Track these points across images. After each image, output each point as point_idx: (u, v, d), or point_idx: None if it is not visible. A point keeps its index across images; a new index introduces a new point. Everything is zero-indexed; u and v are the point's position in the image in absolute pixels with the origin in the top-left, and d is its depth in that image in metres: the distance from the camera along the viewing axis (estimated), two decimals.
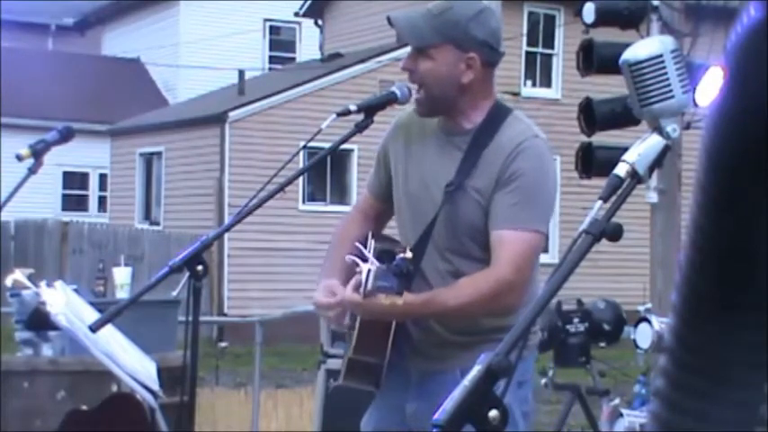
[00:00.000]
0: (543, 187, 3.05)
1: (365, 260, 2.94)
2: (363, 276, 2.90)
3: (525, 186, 2.99)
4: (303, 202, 17.26)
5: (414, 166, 3.18)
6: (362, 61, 17.70)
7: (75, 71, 24.66)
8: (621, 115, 6.16)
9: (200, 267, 3.01)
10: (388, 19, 3.11)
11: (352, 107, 3.13)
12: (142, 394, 3.86)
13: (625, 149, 2.27)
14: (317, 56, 21.46)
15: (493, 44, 3.08)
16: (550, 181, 3.09)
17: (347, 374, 3.13)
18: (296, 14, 22.81)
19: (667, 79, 2.51)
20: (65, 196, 24.94)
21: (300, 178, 4.53)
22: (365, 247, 3.09)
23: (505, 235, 2.98)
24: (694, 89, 2.53)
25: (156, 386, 3.86)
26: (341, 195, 17.72)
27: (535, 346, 3.24)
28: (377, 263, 2.92)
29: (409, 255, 2.93)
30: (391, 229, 3.33)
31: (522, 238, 2.97)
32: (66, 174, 24.39)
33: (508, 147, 3.02)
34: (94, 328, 3.12)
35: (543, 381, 5.81)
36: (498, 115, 3.10)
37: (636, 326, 4.93)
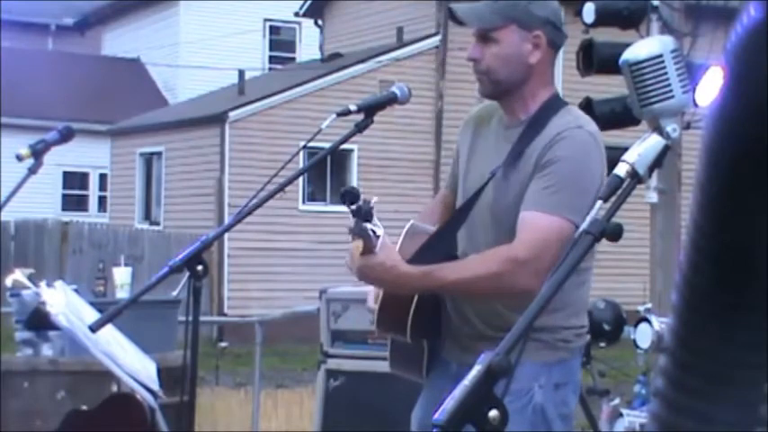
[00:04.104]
0: (579, 175, 2.94)
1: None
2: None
3: (559, 172, 2.92)
4: (303, 202, 17.26)
5: (474, 162, 3.16)
6: (362, 61, 17.69)
7: (75, 71, 24.65)
8: (621, 115, 6.16)
9: (200, 267, 3.01)
10: (449, 10, 3.06)
11: (352, 107, 3.13)
12: (142, 394, 3.86)
13: (625, 149, 2.27)
14: (317, 56, 21.45)
15: (556, 23, 3.06)
16: (589, 171, 2.95)
17: (390, 363, 3.19)
18: (296, 14, 22.80)
19: (667, 79, 2.51)
20: (65, 196, 24.94)
21: (300, 178, 4.53)
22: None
23: (528, 216, 2.90)
24: (694, 89, 2.53)
25: (156, 386, 3.86)
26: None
27: (579, 349, 3.11)
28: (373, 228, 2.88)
29: (374, 199, 2.84)
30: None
31: (545, 222, 2.88)
32: (66, 174, 24.39)
33: (549, 136, 2.97)
34: (94, 328, 3.12)
35: None
36: (551, 108, 3.05)
37: (636, 326, 4.94)
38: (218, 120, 17.22)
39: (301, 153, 3.48)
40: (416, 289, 2.96)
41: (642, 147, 2.27)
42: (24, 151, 3.94)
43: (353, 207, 2.80)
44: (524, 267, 2.84)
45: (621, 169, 2.22)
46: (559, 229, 2.87)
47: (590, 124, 3.05)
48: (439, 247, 3.07)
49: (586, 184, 2.93)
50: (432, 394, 3.13)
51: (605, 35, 6.59)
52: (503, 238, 2.98)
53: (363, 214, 2.81)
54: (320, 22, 21.99)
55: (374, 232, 2.84)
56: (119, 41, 27.43)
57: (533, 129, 3.02)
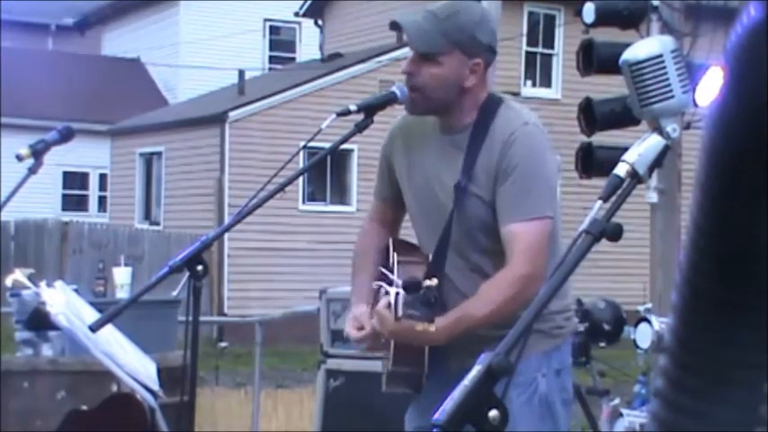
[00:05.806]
0: (540, 171, 3.06)
1: (391, 283, 2.98)
2: (392, 300, 2.93)
3: (523, 176, 3.01)
4: (303, 202, 17.26)
5: (418, 172, 3.20)
6: (362, 61, 17.70)
7: (75, 71, 24.64)
8: (621, 115, 6.16)
9: (200, 267, 3.00)
10: (394, 23, 3.10)
11: (352, 107, 3.13)
12: (142, 394, 3.86)
13: (625, 149, 2.27)
14: (317, 56, 21.45)
15: (495, 47, 3.14)
16: (546, 164, 3.09)
17: (388, 383, 3.18)
18: (296, 14, 22.81)
19: (667, 79, 2.51)
20: (65, 196, 24.94)
21: (300, 178, 4.54)
22: (388, 260, 3.15)
23: (515, 229, 3.00)
24: (694, 89, 2.53)
25: (156, 386, 3.86)
26: (341, 195, 17.71)
27: (570, 333, 3.25)
28: (399, 284, 2.94)
29: (434, 282, 2.94)
30: (406, 229, 3.35)
31: (531, 228, 3.00)
32: (66, 174, 24.39)
33: (500, 140, 3.04)
34: (94, 328, 3.12)
35: None
36: (490, 108, 3.11)
37: (636, 326, 4.94)
38: (218, 120, 17.22)
39: (301, 153, 3.48)
40: (452, 337, 2.99)
41: (642, 147, 2.27)
42: (24, 151, 3.94)
43: (421, 293, 2.90)
44: (532, 280, 2.95)
45: (621, 169, 2.22)
46: (542, 229, 3.03)
47: (531, 116, 3.13)
48: (435, 273, 3.11)
49: (547, 177, 3.08)
50: (429, 398, 3.14)
51: (605, 35, 6.59)
52: (472, 248, 3.09)
53: (431, 298, 2.91)
54: (320, 22, 22.00)
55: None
56: (119, 41, 27.42)
57: (480, 132, 3.09)
